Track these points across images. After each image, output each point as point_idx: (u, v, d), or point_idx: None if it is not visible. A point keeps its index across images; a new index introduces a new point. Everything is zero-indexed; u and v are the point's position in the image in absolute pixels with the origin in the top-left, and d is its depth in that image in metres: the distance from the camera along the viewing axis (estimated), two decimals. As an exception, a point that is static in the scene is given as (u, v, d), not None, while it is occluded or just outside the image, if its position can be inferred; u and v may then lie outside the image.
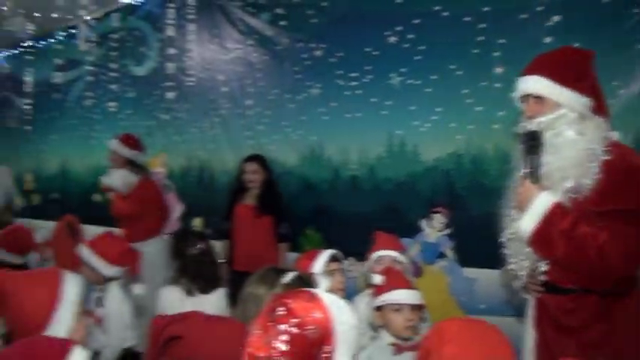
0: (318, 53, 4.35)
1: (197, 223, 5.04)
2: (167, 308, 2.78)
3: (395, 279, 2.49)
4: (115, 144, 4.47)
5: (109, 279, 2.88)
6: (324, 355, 1.18)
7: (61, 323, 1.68)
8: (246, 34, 4.83)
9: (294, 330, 1.16)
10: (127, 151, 4.43)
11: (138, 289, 2.98)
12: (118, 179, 4.40)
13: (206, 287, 2.98)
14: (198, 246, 3.08)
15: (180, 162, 5.32)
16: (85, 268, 2.82)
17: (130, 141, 4.50)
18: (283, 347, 1.15)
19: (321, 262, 2.61)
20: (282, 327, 1.16)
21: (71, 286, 1.77)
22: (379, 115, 3.99)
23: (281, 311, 1.19)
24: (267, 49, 4.69)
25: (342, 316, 1.21)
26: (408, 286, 2.45)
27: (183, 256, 3.06)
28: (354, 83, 4.13)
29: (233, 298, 2.88)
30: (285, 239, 4.24)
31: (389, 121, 3.95)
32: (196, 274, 2.99)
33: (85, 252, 2.88)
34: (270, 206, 4.20)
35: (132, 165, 4.44)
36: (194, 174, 5.24)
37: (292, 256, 4.11)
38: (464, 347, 1.32)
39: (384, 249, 2.93)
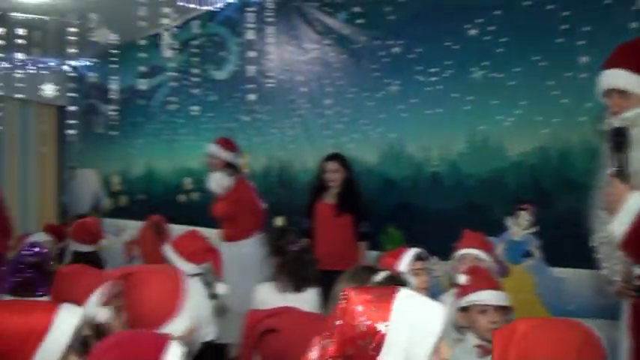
0: (396, 50, 4.40)
1: (279, 222, 5.19)
2: (261, 304, 2.92)
3: (481, 279, 2.46)
4: (213, 148, 4.72)
5: (191, 275, 3.00)
6: (371, 348, 1.16)
7: (182, 319, 1.72)
8: (323, 34, 4.94)
9: (345, 318, 1.18)
10: (225, 154, 4.68)
11: (221, 288, 3.05)
12: (216, 182, 4.67)
13: (301, 285, 3.03)
14: (299, 244, 3.17)
15: (262, 162, 5.49)
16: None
17: (228, 144, 4.76)
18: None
19: (406, 260, 2.61)
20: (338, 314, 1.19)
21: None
22: (461, 110, 3.98)
23: (342, 302, 1.21)
24: (345, 48, 4.78)
25: (406, 317, 1.18)
26: (494, 286, 2.41)
27: (284, 253, 3.12)
28: (434, 79, 4.14)
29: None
30: (366, 238, 4.31)
31: (471, 117, 3.93)
32: (294, 271, 3.06)
33: (168, 250, 2.97)
34: (350, 205, 4.29)
35: (229, 167, 4.69)
36: (275, 174, 5.40)
37: (372, 254, 4.19)
38: (534, 346, 1.28)
39: (468, 247, 2.88)
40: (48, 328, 1.42)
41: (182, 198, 6.45)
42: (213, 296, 2.32)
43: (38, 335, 1.41)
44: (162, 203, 6.61)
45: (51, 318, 1.44)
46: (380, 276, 1.80)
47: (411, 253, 2.67)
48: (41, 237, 4.37)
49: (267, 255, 3.38)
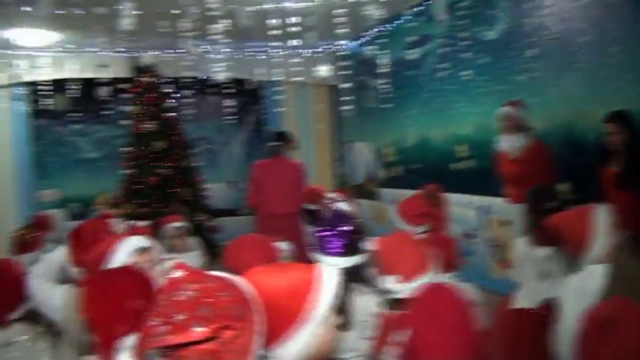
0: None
1: (563, 188, 5.07)
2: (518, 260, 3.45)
3: None
4: (506, 109, 5.07)
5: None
6: None
7: None
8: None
9: None
10: (518, 115, 4.99)
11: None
12: (510, 143, 4.97)
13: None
14: (553, 203, 3.27)
15: (540, 124, 5.30)
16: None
17: (520, 105, 5.06)
18: None
19: None
20: None
21: None
22: None
23: None
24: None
25: None
26: None
27: (538, 210, 3.30)
28: None
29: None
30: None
31: None
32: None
33: (393, 213, 3.38)
34: (635, 176, 3.91)
35: (522, 128, 4.95)
36: (557, 135, 5.18)
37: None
38: None
39: None
40: (311, 289, 1.45)
41: (456, 166, 6.69)
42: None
43: (303, 295, 1.44)
44: (436, 171, 6.91)
45: (313, 279, 1.48)
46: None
47: None
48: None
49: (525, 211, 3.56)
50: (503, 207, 5.50)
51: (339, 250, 2.51)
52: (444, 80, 6.81)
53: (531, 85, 5.47)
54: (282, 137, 6.27)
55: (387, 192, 8.19)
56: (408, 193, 6.23)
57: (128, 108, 8.91)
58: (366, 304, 2.47)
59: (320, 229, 2.60)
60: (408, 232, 2.83)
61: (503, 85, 5.81)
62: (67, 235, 2.61)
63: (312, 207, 5.46)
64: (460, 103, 6.53)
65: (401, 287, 2.27)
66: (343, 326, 2.44)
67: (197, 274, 1.20)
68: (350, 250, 2.52)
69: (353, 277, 2.46)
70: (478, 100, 6.20)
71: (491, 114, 5.46)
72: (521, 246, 3.48)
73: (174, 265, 1.18)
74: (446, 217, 4.30)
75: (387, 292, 2.33)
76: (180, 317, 1.10)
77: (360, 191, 8.89)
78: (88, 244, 2.42)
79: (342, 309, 2.39)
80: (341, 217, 2.78)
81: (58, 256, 2.59)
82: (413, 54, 7.27)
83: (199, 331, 1.10)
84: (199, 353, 1.11)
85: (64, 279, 2.59)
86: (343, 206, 4.55)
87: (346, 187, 9.56)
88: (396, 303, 2.28)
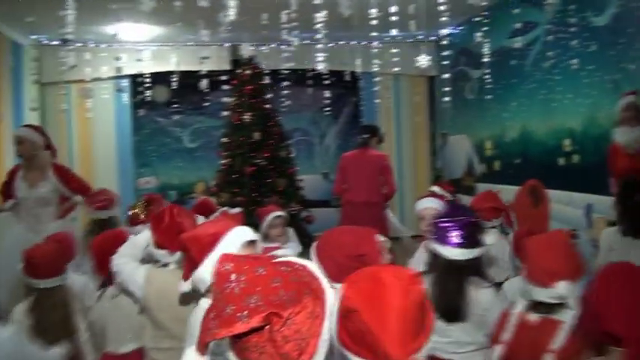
0: None
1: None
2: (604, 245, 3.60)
3: None
4: (629, 99, 4.79)
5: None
6: None
7: None
8: None
9: None
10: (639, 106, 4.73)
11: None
12: (628, 135, 4.71)
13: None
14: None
15: None
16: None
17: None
18: None
19: None
20: None
21: None
22: None
23: None
24: None
25: None
26: None
27: (627, 202, 3.46)
28: None
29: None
30: None
31: None
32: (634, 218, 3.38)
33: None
34: None
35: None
36: None
37: None
38: None
39: None
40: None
41: (561, 161, 6.41)
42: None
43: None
44: (538, 167, 6.65)
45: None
46: None
47: None
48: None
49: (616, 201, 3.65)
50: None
51: (459, 242, 2.58)
52: (548, 70, 6.50)
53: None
54: (370, 130, 6.74)
55: (485, 187, 7.97)
56: (507, 189, 6.10)
57: (227, 99, 9.19)
58: (482, 299, 2.60)
59: (440, 219, 2.69)
60: (562, 231, 2.78)
61: (612, 74, 5.49)
62: (151, 218, 2.76)
63: None
64: (566, 94, 6.22)
65: (564, 290, 2.17)
66: (457, 317, 2.50)
67: (246, 263, 1.20)
68: (469, 242, 2.59)
69: (470, 270, 2.61)
70: (585, 90, 5.88)
71: (599, 105, 5.20)
72: (610, 235, 3.60)
73: (222, 257, 1.20)
74: (548, 215, 4.10)
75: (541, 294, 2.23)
76: (229, 309, 1.12)
77: (458, 186, 8.72)
78: (168, 227, 2.57)
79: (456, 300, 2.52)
80: (461, 210, 2.85)
81: (143, 237, 2.74)
82: (516, 42, 7.01)
83: (246, 322, 1.11)
84: (256, 343, 1.13)
85: (147, 259, 2.76)
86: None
87: (443, 181, 9.41)
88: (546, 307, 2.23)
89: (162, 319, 2.58)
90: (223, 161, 8.84)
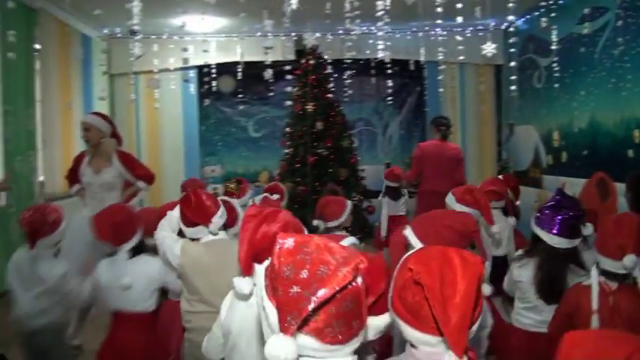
0: None
1: None
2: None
3: None
4: None
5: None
6: None
7: None
8: None
9: None
10: None
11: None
12: None
13: None
14: None
15: None
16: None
17: None
18: None
19: None
20: None
21: None
22: None
23: None
24: None
25: None
26: None
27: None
28: None
29: None
30: None
31: None
32: None
33: None
34: None
35: None
36: None
37: None
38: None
39: None
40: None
41: (630, 152, 6.22)
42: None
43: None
44: (607, 158, 6.43)
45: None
46: None
47: None
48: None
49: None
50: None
51: (561, 231, 2.84)
52: (619, 57, 6.27)
53: None
54: (447, 122, 6.96)
55: (552, 180, 7.81)
56: (575, 181, 5.98)
57: (291, 89, 9.36)
58: None
59: (546, 206, 2.95)
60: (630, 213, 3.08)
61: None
62: (180, 200, 3.01)
63: (392, 184, 6.71)
64: (636, 82, 6.00)
65: (630, 263, 2.48)
66: (558, 300, 2.80)
67: (303, 236, 1.24)
68: (571, 233, 2.86)
69: (570, 258, 2.89)
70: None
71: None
72: None
73: (280, 235, 1.23)
74: (616, 209, 4.01)
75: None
76: (323, 268, 1.16)
77: (525, 177, 8.59)
78: (195, 207, 2.88)
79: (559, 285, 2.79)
80: (569, 200, 3.01)
81: (176, 213, 3.01)
82: (585, 28, 6.82)
83: (346, 272, 1.16)
84: (341, 300, 1.17)
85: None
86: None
87: (508, 172, 9.28)
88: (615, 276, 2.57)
89: (197, 285, 2.84)
90: (286, 151, 9.01)
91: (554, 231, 2.85)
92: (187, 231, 2.94)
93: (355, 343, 1.24)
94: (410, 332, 1.37)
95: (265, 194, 4.92)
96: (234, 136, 10.62)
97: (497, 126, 10.24)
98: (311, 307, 1.14)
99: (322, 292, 1.14)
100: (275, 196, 4.87)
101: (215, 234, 2.89)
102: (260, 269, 1.30)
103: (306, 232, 1.86)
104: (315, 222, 3.98)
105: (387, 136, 10.80)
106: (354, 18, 5.93)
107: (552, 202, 2.97)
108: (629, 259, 2.46)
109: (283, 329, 1.16)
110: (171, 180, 9.09)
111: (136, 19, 4.87)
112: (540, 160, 8.41)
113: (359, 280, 1.20)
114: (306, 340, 1.19)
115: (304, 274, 1.16)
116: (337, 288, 1.14)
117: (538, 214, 2.97)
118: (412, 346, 1.40)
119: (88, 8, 7.31)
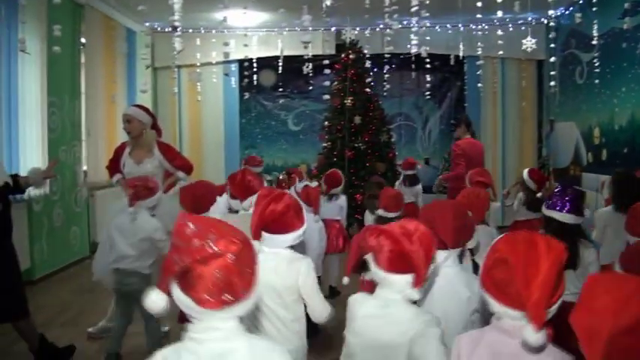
0: None
1: None
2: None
3: None
4: None
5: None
6: None
7: None
8: None
9: None
10: None
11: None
12: None
13: None
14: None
15: None
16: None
17: None
18: None
19: None
20: None
21: None
22: None
23: None
24: None
25: None
26: None
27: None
28: None
29: None
30: None
31: None
32: None
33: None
34: None
35: None
36: None
37: None
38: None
39: None
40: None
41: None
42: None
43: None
44: (647, 156, 6.41)
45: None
46: None
47: None
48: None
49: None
50: None
51: (571, 208, 3.24)
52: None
53: None
54: (470, 121, 7.32)
55: (592, 178, 7.72)
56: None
57: (330, 83, 9.48)
58: (586, 255, 3.26)
59: (555, 193, 3.34)
60: None
61: None
62: (228, 177, 3.70)
63: (410, 172, 7.49)
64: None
65: None
66: (567, 265, 2.96)
67: (201, 219, 1.53)
68: (578, 210, 3.25)
69: (579, 232, 3.29)
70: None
71: None
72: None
73: (187, 218, 1.48)
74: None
75: None
76: (195, 243, 1.41)
77: (565, 175, 8.54)
78: (239, 183, 3.54)
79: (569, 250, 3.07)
80: (573, 184, 3.74)
81: (224, 200, 3.70)
82: (626, 23, 6.73)
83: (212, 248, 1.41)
84: (213, 270, 1.40)
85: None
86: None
87: (548, 169, 9.23)
88: None
89: None
90: (325, 144, 9.15)
91: (565, 209, 3.24)
92: (231, 202, 3.54)
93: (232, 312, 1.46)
94: (496, 306, 1.57)
95: (306, 182, 5.81)
96: (273, 129, 10.81)
97: (538, 122, 10.16)
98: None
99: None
100: (314, 184, 5.71)
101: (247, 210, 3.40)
102: None
103: (305, 213, 2.52)
104: (380, 212, 4.42)
105: (426, 131, 10.81)
106: (392, 12, 6.00)
107: (559, 188, 3.39)
108: None
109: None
110: (212, 171, 9.35)
111: (178, 15, 5.02)
112: (581, 158, 8.32)
113: (229, 255, 1.43)
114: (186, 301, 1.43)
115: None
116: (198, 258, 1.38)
117: (548, 200, 3.38)
118: (497, 318, 1.61)
119: (132, 3, 7.56)
